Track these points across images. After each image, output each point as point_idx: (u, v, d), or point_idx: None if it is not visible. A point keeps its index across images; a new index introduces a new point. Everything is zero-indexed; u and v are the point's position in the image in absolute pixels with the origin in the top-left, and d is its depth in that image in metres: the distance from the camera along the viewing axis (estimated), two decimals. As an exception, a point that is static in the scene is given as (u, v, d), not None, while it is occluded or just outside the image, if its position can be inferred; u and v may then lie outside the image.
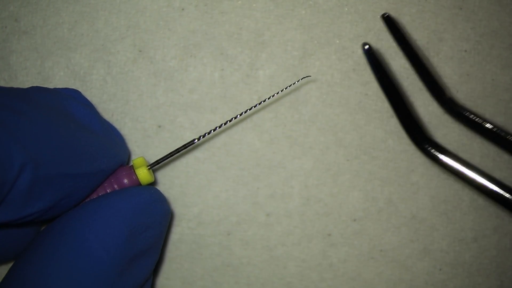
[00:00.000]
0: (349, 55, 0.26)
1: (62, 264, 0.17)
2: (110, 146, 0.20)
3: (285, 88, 0.23)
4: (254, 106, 0.22)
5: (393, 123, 0.26)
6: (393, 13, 0.26)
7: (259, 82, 0.26)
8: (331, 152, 0.26)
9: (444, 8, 0.27)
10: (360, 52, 0.26)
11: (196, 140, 0.21)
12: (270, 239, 0.26)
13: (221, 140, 0.26)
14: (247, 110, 0.22)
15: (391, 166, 0.26)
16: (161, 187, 0.26)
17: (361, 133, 0.26)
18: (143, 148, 0.26)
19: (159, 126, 0.26)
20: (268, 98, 0.22)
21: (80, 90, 0.25)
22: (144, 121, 0.26)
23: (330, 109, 0.26)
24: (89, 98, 0.25)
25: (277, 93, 0.23)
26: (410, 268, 0.27)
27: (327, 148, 0.26)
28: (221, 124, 0.22)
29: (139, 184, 0.21)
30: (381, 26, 0.26)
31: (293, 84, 0.24)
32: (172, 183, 0.26)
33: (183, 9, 0.26)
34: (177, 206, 0.26)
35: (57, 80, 0.26)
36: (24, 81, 0.26)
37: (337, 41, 0.26)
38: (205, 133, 0.22)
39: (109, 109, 0.26)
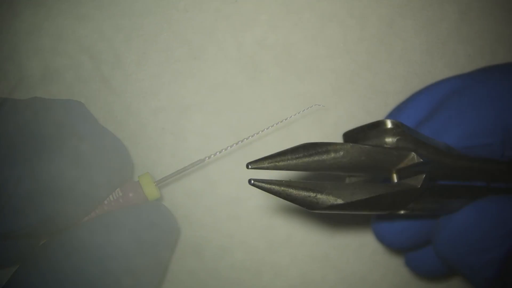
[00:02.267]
0: (353, 58, 0.26)
1: (69, 273, 0.17)
2: (112, 160, 0.20)
3: (294, 115, 0.23)
4: (262, 131, 0.22)
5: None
6: (398, 17, 0.26)
7: (263, 85, 0.26)
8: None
9: (449, 13, 0.27)
10: (364, 57, 0.27)
11: (207, 159, 0.21)
12: (273, 242, 0.26)
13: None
14: (254, 134, 0.22)
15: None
16: (163, 189, 0.26)
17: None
18: (146, 150, 0.26)
19: (163, 129, 0.26)
20: (276, 124, 0.22)
21: (83, 92, 0.25)
22: (147, 123, 0.26)
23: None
24: (92, 100, 0.25)
25: (286, 119, 0.22)
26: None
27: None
28: (227, 147, 0.22)
29: (146, 199, 0.21)
30: (386, 30, 0.26)
31: (303, 110, 0.23)
32: (175, 185, 0.26)
33: (187, 11, 0.26)
34: (179, 208, 0.26)
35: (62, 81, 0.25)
36: (30, 82, 0.25)
37: (341, 45, 0.26)
38: (213, 154, 0.21)
39: (112, 111, 0.26)
